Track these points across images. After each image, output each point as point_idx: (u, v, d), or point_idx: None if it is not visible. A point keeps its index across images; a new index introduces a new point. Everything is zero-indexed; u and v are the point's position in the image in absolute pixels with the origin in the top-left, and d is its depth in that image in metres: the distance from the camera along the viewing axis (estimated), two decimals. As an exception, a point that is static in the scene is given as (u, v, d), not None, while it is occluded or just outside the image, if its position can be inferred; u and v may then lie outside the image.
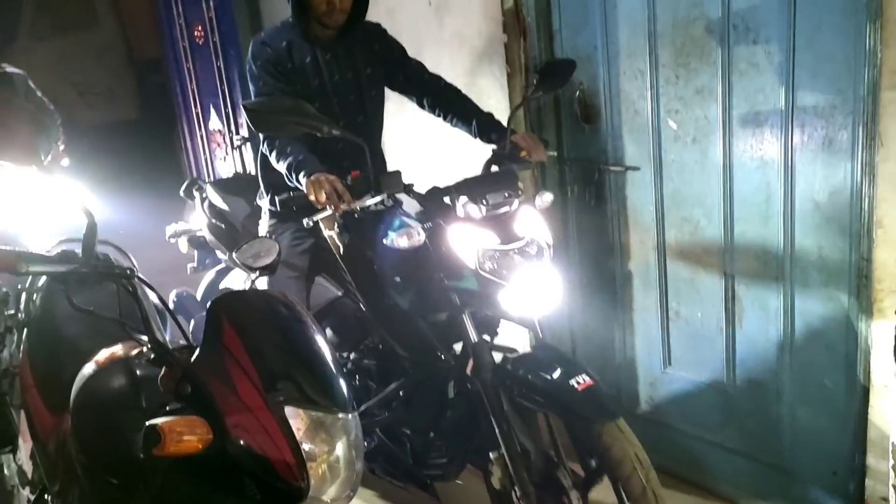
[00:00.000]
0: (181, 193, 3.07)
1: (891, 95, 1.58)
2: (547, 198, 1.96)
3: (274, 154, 2.08)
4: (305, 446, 1.40)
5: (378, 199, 1.85)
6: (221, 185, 2.99)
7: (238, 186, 2.88)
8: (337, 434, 1.46)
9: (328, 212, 1.84)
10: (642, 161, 2.29)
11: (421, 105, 2.37)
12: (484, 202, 1.81)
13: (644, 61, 2.17)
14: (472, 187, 1.85)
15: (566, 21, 2.37)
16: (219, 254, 2.91)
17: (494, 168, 2.06)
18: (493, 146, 2.13)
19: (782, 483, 2.15)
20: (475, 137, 2.25)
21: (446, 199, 1.87)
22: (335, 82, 2.24)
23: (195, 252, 3.07)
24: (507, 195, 1.85)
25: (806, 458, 2.08)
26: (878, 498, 1.83)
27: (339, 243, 2.11)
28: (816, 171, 1.87)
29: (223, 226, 2.84)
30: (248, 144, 4.00)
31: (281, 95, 2.12)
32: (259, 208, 2.47)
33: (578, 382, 1.69)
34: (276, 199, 2.05)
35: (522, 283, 1.76)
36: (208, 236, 2.91)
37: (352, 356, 2.28)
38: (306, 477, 1.39)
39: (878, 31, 1.65)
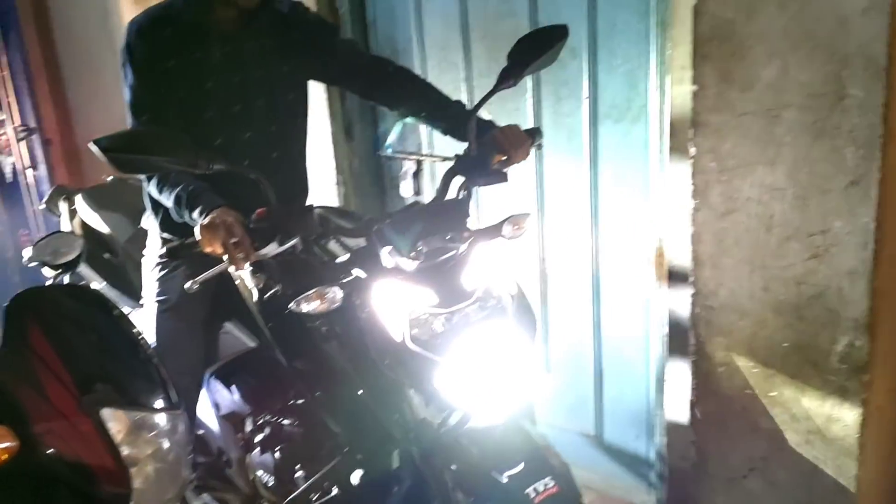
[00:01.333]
0: (42, 205, 2.49)
1: (679, 90, 1.74)
2: (520, 221, 1.53)
3: (154, 183, 1.65)
4: (126, 450, 1.34)
5: (286, 246, 1.43)
6: (96, 196, 2.38)
7: (117, 197, 2.31)
8: (161, 434, 1.40)
9: (221, 268, 1.44)
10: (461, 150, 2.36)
11: (367, 98, 1.99)
12: (414, 251, 1.41)
13: (458, 54, 2.22)
14: (403, 227, 1.44)
15: (380, 12, 2.38)
16: (94, 284, 2.35)
17: (457, 181, 1.59)
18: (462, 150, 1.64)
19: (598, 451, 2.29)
20: (444, 135, 1.79)
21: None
22: (237, 83, 1.76)
23: (64, 278, 2.36)
24: (448, 237, 1.44)
25: (615, 427, 2.24)
26: (678, 457, 1.99)
27: (251, 287, 1.68)
28: (616, 163, 2.01)
29: (99, 251, 2.30)
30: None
31: (145, 126, 1.68)
32: (144, 230, 1.97)
33: (538, 490, 1.39)
34: (165, 244, 1.70)
35: (464, 357, 1.37)
36: (80, 266, 2.29)
37: (270, 420, 1.87)
38: (128, 482, 1.33)
39: (666, 31, 1.80)
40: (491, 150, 1.57)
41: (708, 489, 1.75)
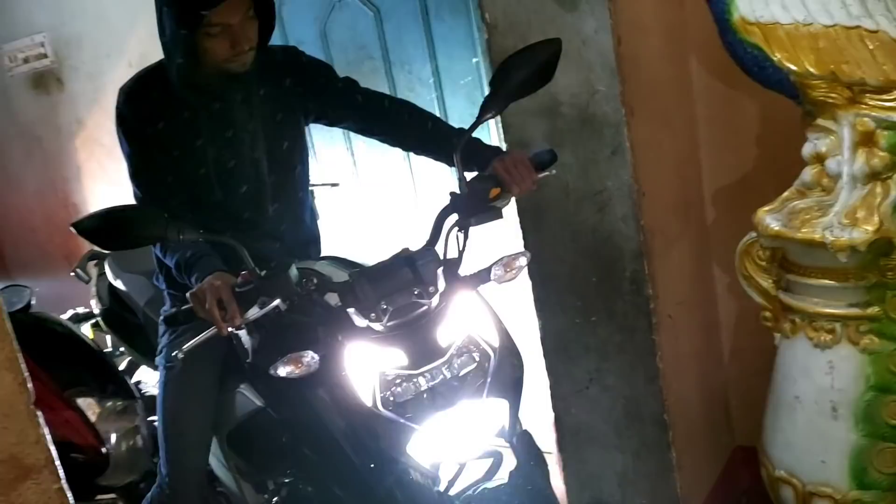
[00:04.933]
0: (73, 273, 2.45)
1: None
2: (516, 262, 1.45)
3: (159, 248, 1.67)
4: (102, 430, 1.77)
5: (267, 309, 1.38)
6: (120, 259, 2.35)
7: (138, 259, 2.22)
8: (127, 417, 1.84)
9: (208, 334, 1.39)
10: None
11: (366, 135, 1.91)
12: (377, 312, 1.34)
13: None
14: (370, 285, 1.36)
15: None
16: (111, 345, 2.38)
17: (450, 222, 1.50)
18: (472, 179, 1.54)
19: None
20: (451, 167, 1.66)
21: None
22: (229, 139, 1.70)
23: (107, 337, 2.42)
24: (416, 292, 1.36)
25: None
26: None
27: (245, 347, 1.65)
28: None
29: (120, 313, 2.27)
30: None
31: (127, 205, 1.57)
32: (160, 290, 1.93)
33: None
34: (173, 303, 1.69)
35: (439, 424, 1.32)
36: (104, 328, 2.33)
37: (286, 482, 1.78)
38: (106, 456, 1.76)
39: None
40: (488, 183, 1.49)
41: (562, 402, 2.24)
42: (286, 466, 1.76)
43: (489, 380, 1.36)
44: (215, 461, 1.93)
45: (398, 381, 1.33)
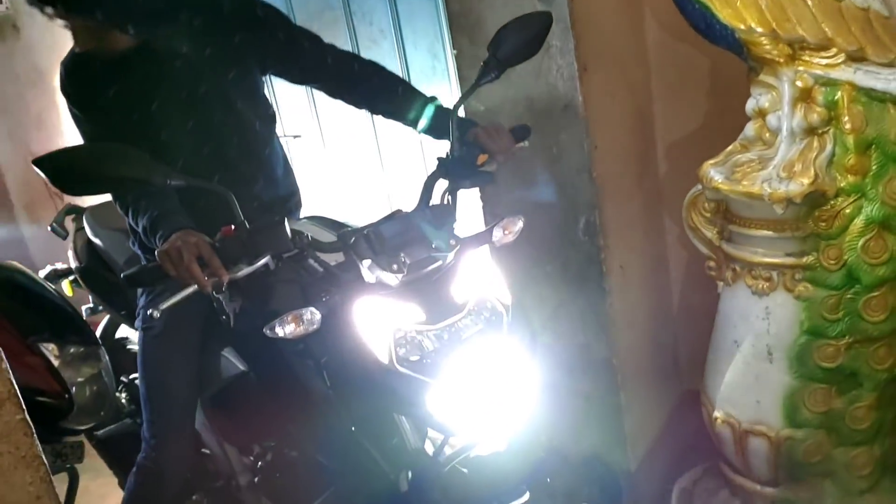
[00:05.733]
0: (51, 227, 2.34)
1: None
2: (511, 226, 1.45)
3: (122, 206, 1.56)
4: (66, 375, 1.82)
5: (258, 265, 1.30)
6: (99, 215, 2.25)
7: (118, 214, 2.09)
8: (90, 363, 1.88)
9: (187, 292, 1.29)
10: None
11: (333, 97, 1.82)
12: (398, 264, 1.30)
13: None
14: (383, 239, 1.33)
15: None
16: (90, 305, 2.34)
17: (440, 186, 1.50)
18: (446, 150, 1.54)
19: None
20: (420, 133, 1.72)
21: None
22: (184, 99, 1.64)
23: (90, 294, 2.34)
24: (434, 246, 1.34)
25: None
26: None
27: (227, 311, 1.59)
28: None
29: (99, 271, 2.20)
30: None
31: (90, 143, 1.56)
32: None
33: None
34: (123, 272, 1.51)
35: (458, 377, 1.27)
36: (82, 286, 2.27)
37: (270, 446, 1.79)
38: (71, 398, 1.80)
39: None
40: (474, 150, 1.51)
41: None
42: (270, 431, 1.74)
43: (506, 335, 1.33)
44: (199, 423, 1.89)
45: (414, 337, 1.27)
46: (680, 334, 2.51)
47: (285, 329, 1.28)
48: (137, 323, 1.82)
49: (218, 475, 2.03)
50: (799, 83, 1.61)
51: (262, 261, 1.30)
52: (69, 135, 3.47)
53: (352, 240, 1.34)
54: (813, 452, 1.83)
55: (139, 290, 1.81)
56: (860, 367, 1.73)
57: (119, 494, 2.39)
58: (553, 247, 2.15)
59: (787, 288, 1.74)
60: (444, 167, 1.49)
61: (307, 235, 1.38)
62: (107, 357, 1.98)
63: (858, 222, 1.62)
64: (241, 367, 1.73)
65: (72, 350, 1.84)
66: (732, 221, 1.82)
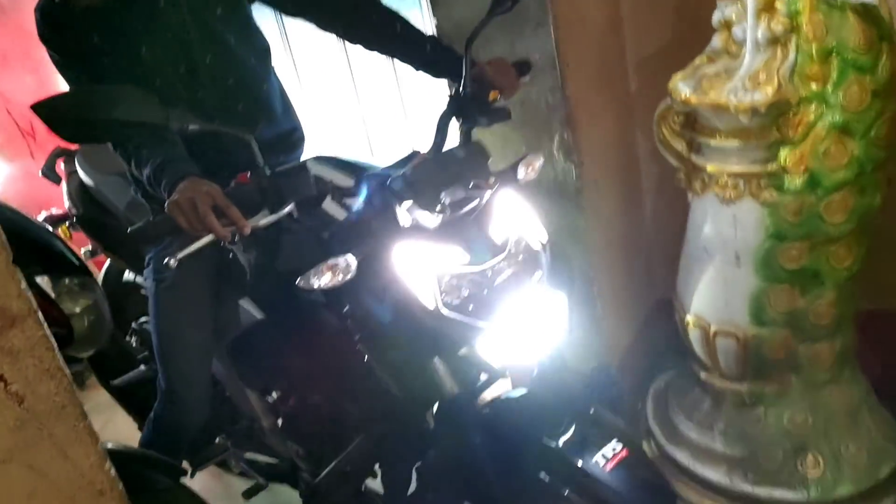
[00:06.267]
0: (41, 173, 2.26)
1: None
2: (534, 163, 1.42)
3: (124, 154, 1.46)
4: (64, 305, 1.87)
5: (281, 213, 1.24)
6: (93, 158, 2.16)
7: (115, 157, 1.93)
8: (86, 294, 1.93)
9: (205, 241, 1.20)
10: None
11: (327, 30, 1.71)
12: (439, 204, 1.25)
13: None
14: (419, 178, 1.26)
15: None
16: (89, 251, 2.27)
17: (457, 128, 1.45)
18: (451, 88, 1.51)
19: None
20: (418, 70, 1.66)
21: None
22: (174, 42, 1.55)
23: (90, 240, 2.27)
24: (472, 185, 1.29)
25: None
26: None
27: (243, 263, 1.55)
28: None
29: (99, 217, 2.13)
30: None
31: (95, 85, 1.44)
32: None
33: (606, 456, 1.24)
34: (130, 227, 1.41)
35: (511, 317, 1.25)
36: (83, 232, 2.20)
37: (294, 391, 1.75)
38: (71, 329, 1.86)
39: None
40: (483, 87, 1.46)
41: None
42: (291, 378, 1.72)
43: (545, 273, 1.30)
44: (218, 367, 1.90)
45: (459, 279, 1.22)
46: (653, 245, 2.60)
47: (321, 280, 1.22)
48: (147, 272, 1.77)
49: (241, 418, 2.03)
50: (762, -6, 1.66)
51: (287, 209, 1.23)
52: (39, 73, 3.43)
53: (387, 181, 1.27)
54: (778, 349, 1.94)
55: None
56: (821, 266, 1.83)
57: (122, 432, 2.48)
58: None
59: (752, 195, 1.82)
60: (457, 105, 1.44)
61: (329, 180, 1.33)
62: (100, 287, 2.03)
63: (820, 129, 1.68)
64: (259, 315, 1.71)
65: (66, 282, 1.89)
66: (701, 133, 1.88)
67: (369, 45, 1.70)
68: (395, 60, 1.73)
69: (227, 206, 1.19)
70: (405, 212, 1.25)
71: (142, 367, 2.38)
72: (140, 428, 2.53)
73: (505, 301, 1.25)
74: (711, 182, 1.88)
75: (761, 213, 1.83)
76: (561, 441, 1.28)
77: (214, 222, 1.18)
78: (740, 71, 1.73)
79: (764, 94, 1.67)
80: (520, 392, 1.38)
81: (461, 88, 1.44)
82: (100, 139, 1.30)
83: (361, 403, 1.55)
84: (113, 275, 2.36)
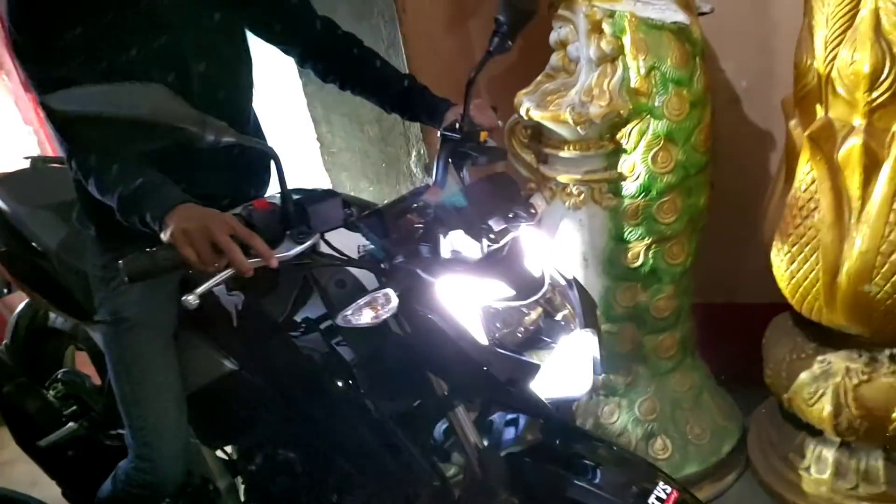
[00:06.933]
0: None
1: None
2: (538, 203, 1.32)
3: (82, 169, 1.26)
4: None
5: (307, 245, 1.11)
6: (15, 187, 1.88)
7: (41, 188, 1.83)
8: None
9: (223, 276, 1.08)
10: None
11: (303, 65, 1.65)
12: (484, 233, 1.17)
13: None
14: (471, 208, 1.20)
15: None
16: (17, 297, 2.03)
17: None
18: (442, 128, 1.43)
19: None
20: (390, 112, 1.61)
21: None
22: (165, 46, 1.37)
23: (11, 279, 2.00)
24: (511, 216, 1.22)
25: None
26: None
27: (231, 302, 1.41)
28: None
29: (24, 255, 1.85)
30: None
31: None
32: (78, 229, 1.59)
33: (660, 498, 1.13)
34: (108, 251, 1.29)
35: (566, 352, 1.19)
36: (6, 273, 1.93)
37: (263, 450, 1.60)
38: None
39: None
40: (474, 127, 1.41)
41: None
42: (259, 432, 1.58)
43: (579, 310, 1.24)
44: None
45: (506, 315, 1.14)
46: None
47: (362, 317, 1.11)
48: (101, 314, 1.56)
49: (195, 478, 1.80)
50: (590, 16, 1.81)
51: (311, 241, 1.11)
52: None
53: (430, 209, 1.20)
54: (626, 342, 2.10)
55: (96, 279, 1.54)
56: (659, 264, 2.00)
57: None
58: (388, 181, 2.29)
59: (595, 200, 1.97)
60: (454, 144, 1.38)
61: (352, 208, 1.20)
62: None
63: (648, 137, 1.85)
64: (230, 366, 1.52)
65: None
66: (546, 145, 2.02)
67: (344, 82, 1.62)
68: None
69: (250, 235, 1.06)
70: (449, 244, 1.17)
71: (70, 424, 2.06)
72: (64, 494, 2.25)
73: (544, 339, 1.19)
74: (559, 190, 2.02)
75: (604, 218, 1.98)
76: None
77: (239, 255, 1.05)
78: (576, 87, 1.87)
79: (598, 108, 1.82)
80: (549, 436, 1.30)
81: (455, 128, 1.39)
82: (120, 148, 1.13)
83: (355, 456, 1.41)
84: (27, 317, 2.11)
